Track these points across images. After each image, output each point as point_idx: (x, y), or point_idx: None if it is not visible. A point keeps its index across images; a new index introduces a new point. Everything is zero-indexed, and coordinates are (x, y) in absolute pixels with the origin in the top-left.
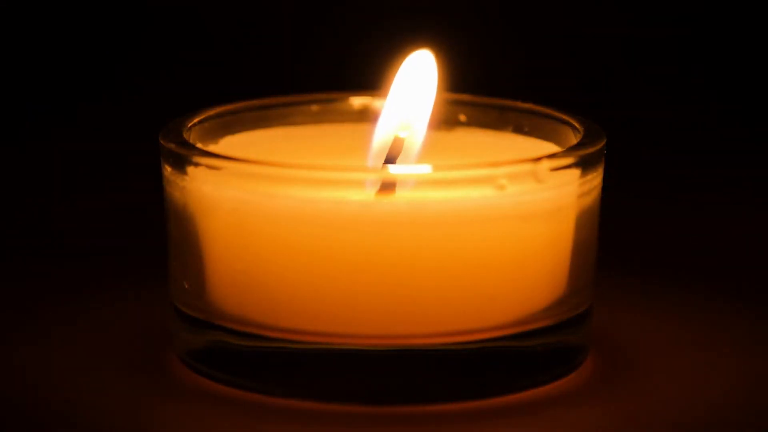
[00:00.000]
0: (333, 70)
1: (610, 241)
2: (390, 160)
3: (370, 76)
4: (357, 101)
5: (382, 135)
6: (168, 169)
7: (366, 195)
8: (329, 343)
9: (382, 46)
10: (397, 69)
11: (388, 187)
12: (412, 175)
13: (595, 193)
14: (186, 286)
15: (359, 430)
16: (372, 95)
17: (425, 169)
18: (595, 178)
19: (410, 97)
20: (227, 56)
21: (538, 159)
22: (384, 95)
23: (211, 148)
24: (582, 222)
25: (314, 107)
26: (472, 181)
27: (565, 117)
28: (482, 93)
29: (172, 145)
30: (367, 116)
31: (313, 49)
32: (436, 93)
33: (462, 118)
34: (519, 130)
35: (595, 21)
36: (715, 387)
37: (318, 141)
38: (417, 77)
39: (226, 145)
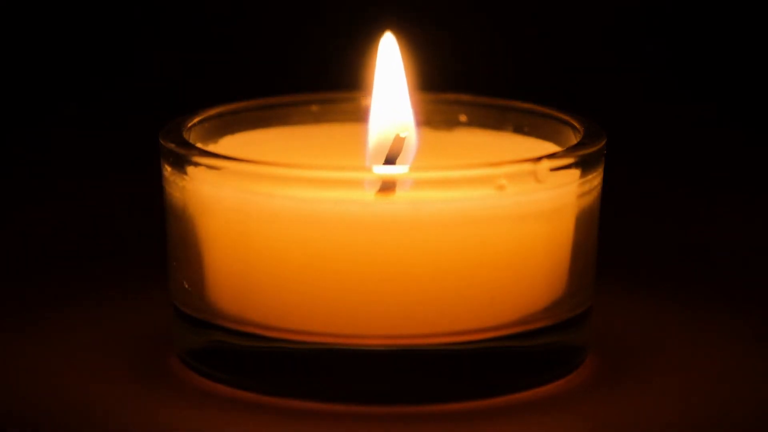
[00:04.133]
0: (334, 71)
1: (610, 241)
2: (390, 160)
3: (371, 76)
4: (357, 101)
5: (376, 134)
6: (168, 169)
7: (366, 195)
8: (329, 343)
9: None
10: (373, 66)
11: (388, 187)
12: (412, 175)
13: (595, 193)
14: (186, 286)
15: (359, 430)
16: (371, 95)
17: (425, 170)
18: (595, 178)
19: (394, 94)
20: (227, 56)
21: (538, 159)
22: (369, 93)
23: (211, 148)
24: (582, 222)
25: (314, 107)
26: (472, 181)
27: (565, 117)
28: (482, 93)
29: (172, 145)
30: (366, 116)
31: (314, 48)
32: (408, 83)
33: (462, 118)
34: (519, 130)
35: (596, 21)
36: (715, 387)
37: (318, 141)
38: (388, 70)
39: (226, 145)
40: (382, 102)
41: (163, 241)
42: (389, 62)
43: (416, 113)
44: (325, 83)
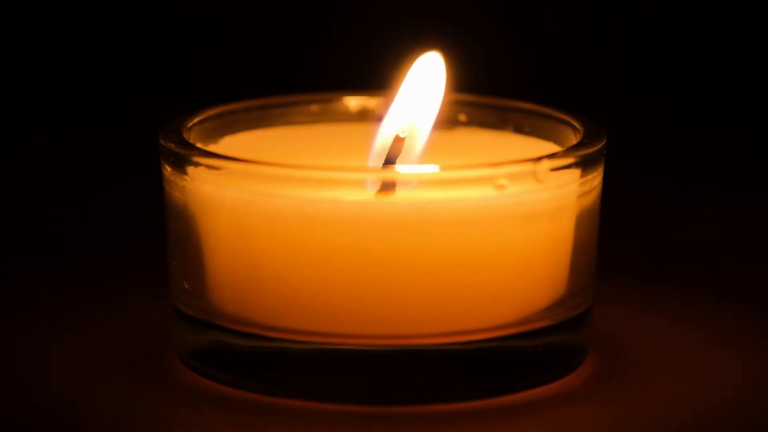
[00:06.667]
0: (334, 71)
1: (610, 241)
2: (390, 160)
3: (371, 76)
4: (357, 101)
5: (385, 135)
6: (168, 169)
7: (366, 195)
8: (329, 343)
9: (383, 46)
10: (406, 70)
11: (388, 187)
12: (413, 175)
13: (595, 193)
14: (186, 286)
15: (359, 430)
16: (371, 95)
17: (425, 169)
18: (595, 178)
19: (416, 98)
20: (228, 56)
21: (538, 159)
22: (390, 95)
23: (211, 148)
24: (582, 222)
25: (314, 107)
26: (472, 181)
27: (565, 117)
28: (483, 93)
29: (172, 145)
30: (367, 116)
31: (314, 49)
32: (443, 95)
33: (462, 118)
34: (519, 130)
35: (596, 21)
36: (715, 387)
37: (318, 141)
38: (426, 79)
39: (226, 145)
40: (400, 103)
41: (163, 241)
42: (428, 71)
43: (436, 117)
44: (326, 83)
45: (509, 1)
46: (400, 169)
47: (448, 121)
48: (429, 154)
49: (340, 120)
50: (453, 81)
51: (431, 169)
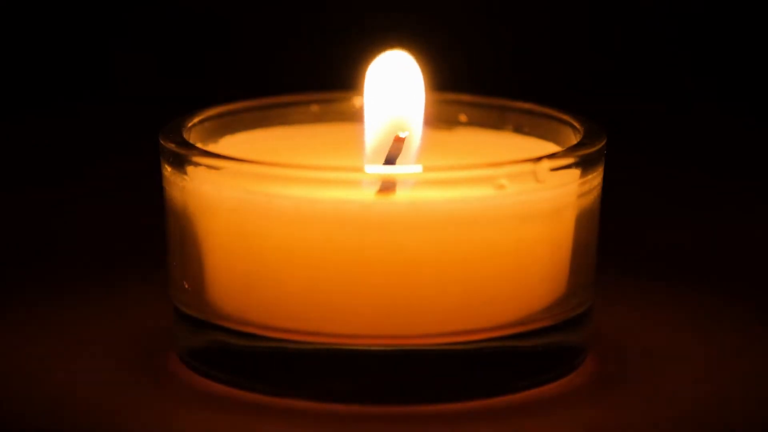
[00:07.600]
0: (333, 70)
1: (610, 241)
2: (390, 160)
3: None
4: (357, 101)
5: (374, 135)
6: (168, 169)
7: (366, 195)
8: (329, 343)
9: (383, 46)
10: (370, 69)
11: (388, 187)
12: (412, 175)
13: (595, 193)
14: (186, 286)
15: (359, 430)
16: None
17: (425, 169)
18: (595, 178)
19: (400, 97)
20: (227, 56)
21: (538, 159)
22: (363, 95)
23: (211, 148)
24: (582, 222)
25: (314, 107)
26: (472, 181)
27: (565, 117)
28: (482, 93)
29: (172, 145)
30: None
31: (314, 48)
32: (424, 91)
33: (462, 118)
34: (519, 130)
35: (596, 21)
36: (714, 387)
37: (318, 141)
38: (395, 76)
39: (226, 145)
40: (381, 102)
41: (163, 241)
42: (395, 69)
43: (425, 114)
44: (325, 83)
45: (509, 1)
46: (401, 169)
47: (448, 121)
48: (429, 154)
49: (340, 120)
50: (428, 75)
51: (430, 169)
